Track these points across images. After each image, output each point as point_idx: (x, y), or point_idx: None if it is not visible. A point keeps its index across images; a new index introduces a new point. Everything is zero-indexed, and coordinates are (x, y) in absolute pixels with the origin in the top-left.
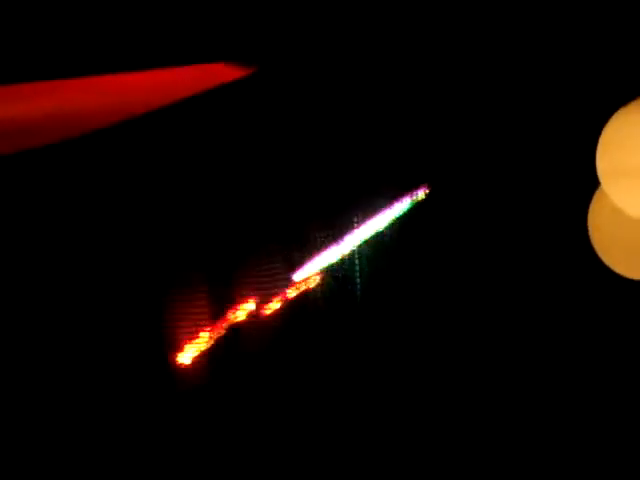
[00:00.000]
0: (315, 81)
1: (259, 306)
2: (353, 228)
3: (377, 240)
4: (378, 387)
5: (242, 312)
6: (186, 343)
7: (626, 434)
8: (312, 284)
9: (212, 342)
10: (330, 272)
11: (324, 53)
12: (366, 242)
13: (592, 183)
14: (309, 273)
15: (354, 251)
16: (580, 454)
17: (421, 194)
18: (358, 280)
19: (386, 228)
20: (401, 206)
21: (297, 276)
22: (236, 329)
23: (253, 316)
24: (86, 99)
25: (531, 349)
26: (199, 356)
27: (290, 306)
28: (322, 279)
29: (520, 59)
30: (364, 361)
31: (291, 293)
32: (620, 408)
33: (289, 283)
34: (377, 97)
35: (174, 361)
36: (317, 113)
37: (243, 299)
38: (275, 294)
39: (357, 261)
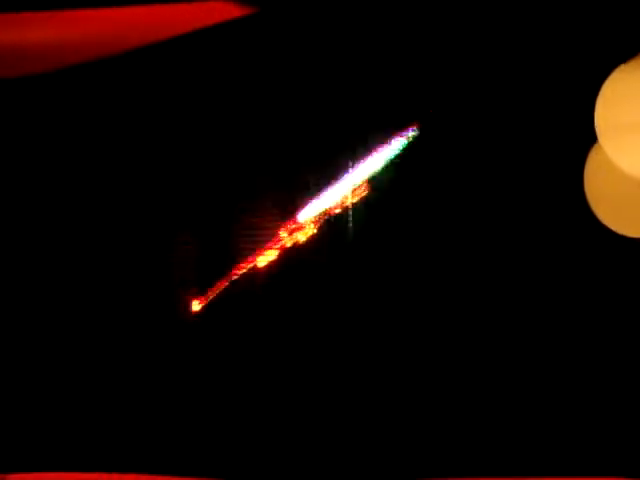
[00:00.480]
0: (312, 27)
1: (257, 255)
2: (348, 170)
3: (372, 183)
4: (370, 339)
5: (242, 263)
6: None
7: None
8: (307, 229)
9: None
10: (325, 217)
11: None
12: (361, 186)
13: (589, 139)
14: (305, 218)
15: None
16: (579, 440)
17: (413, 134)
18: (351, 224)
19: (380, 171)
20: (394, 147)
21: (292, 221)
22: (236, 281)
23: (251, 267)
24: (83, 30)
25: (528, 306)
26: (206, 305)
27: (287, 253)
28: (318, 224)
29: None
30: (357, 309)
31: (287, 240)
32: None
33: (285, 229)
34: (374, 41)
35: (184, 310)
36: (313, 57)
37: (242, 250)
38: (271, 241)
39: (351, 208)
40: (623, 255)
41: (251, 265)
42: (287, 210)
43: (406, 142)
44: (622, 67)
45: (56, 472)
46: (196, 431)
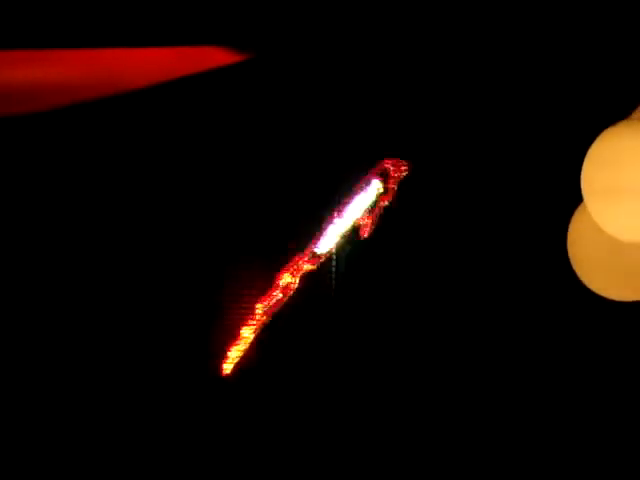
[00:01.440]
0: (304, 74)
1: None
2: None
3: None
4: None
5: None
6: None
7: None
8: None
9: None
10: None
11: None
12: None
13: (575, 199)
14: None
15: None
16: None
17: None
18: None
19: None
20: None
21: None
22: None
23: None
24: (78, 71)
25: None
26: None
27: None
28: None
29: (511, 68)
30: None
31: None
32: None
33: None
34: (366, 88)
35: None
36: (304, 105)
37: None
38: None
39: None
40: (605, 317)
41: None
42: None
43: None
44: (610, 129)
45: None
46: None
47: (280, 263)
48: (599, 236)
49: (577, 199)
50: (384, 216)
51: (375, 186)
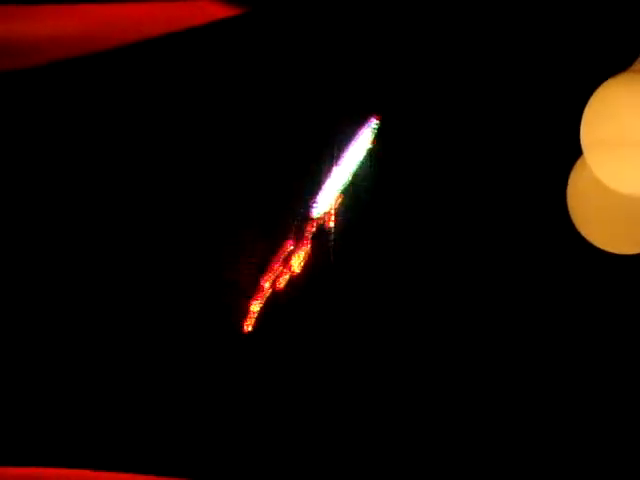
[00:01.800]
0: (299, 31)
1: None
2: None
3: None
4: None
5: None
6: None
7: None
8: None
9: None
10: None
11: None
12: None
13: (574, 153)
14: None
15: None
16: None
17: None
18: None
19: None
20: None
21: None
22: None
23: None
24: (70, 25)
25: (508, 321)
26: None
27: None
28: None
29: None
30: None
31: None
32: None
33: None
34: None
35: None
36: (300, 59)
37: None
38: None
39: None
40: (607, 272)
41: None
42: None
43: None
44: (609, 81)
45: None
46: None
47: (280, 229)
48: (599, 189)
49: (576, 152)
50: (384, 174)
51: (366, 139)
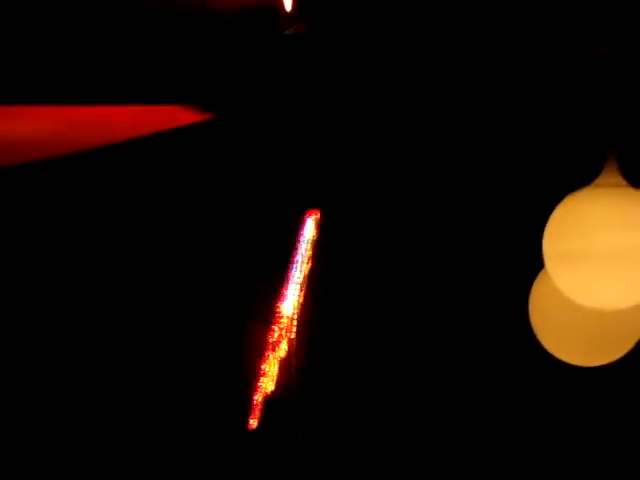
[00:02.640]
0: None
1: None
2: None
3: None
4: None
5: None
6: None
7: None
8: None
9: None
10: None
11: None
12: None
13: (536, 265)
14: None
15: None
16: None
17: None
18: None
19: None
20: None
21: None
22: None
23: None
24: (45, 127)
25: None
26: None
27: None
28: None
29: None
30: None
31: None
32: None
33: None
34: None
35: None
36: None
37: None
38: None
39: None
40: (567, 382)
41: None
42: None
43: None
44: (572, 195)
45: None
46: None
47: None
48: (561, 302)
49: (538, 265)
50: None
51: None
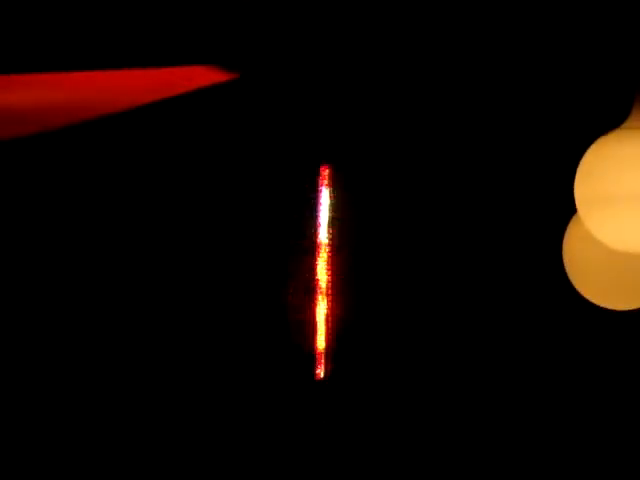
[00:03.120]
0: (294, 95)
1: None
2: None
3: None
4: None
5: None
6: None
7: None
8: None
9: None
10: None
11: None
12: None
13: (569, 210)
14: None
15: None
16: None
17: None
18: None
19: None
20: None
21: None
22: None
23: None
24: (66, 93)
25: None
26: None
27: None
28: None
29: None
30: None
31: None
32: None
33: None
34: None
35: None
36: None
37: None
38: None
39: None
40: (603, 327)
41: None
42: None
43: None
44: (602, 139)
45: None
46: None
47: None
48: (594, 246)
49: (571, 210)
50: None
51: None
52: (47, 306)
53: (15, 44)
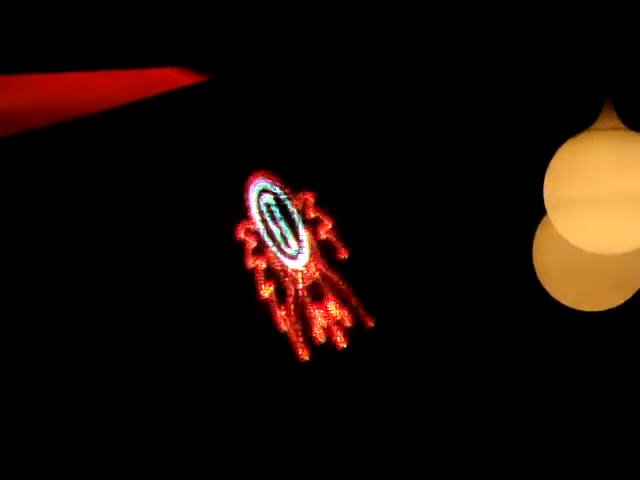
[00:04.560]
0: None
1: None
2: None
3: None
4: None
5: None
6: None
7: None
8: None
9: None
10: None
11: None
12: None
13: (539, 212)
14: None
15: None
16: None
17: None
18: None
19: None
20: None
21: None
22: None
23: None
24: (42, 95)
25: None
26: None
27: None
28: None
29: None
30: None
31: None
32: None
33: None
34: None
35: None
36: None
37: None
38: None
39: None
40: (572, 328)
41: None
42: None
43: None
44: (571, 141)
45: None
46: None
47: None
48: (564, 248)
49: (541, 211)
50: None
51: None
52: (35, 297)
53: None
